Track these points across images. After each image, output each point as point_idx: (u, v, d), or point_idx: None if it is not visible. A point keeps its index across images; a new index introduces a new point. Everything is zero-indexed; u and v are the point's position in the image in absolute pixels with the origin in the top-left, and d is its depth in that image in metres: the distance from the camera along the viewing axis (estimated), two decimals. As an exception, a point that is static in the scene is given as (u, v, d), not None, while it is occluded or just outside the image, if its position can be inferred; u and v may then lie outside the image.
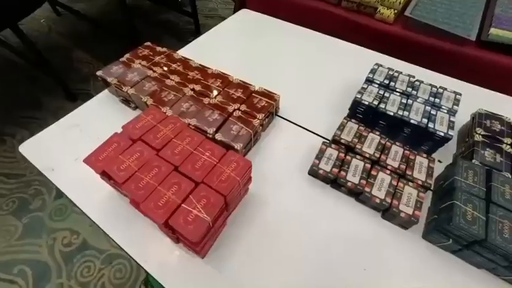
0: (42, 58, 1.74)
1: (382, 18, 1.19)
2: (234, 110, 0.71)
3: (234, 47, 1.06)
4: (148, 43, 0.93)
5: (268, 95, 0.76)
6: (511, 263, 0.49)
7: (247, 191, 0.62)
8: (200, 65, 0.85)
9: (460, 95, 0.75)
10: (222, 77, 0.81)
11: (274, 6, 1.41)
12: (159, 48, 0.91)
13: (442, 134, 0.65)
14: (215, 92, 0.75)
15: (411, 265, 0.55)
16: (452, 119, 0.69)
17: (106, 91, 0.87)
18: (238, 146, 0.63)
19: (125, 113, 0.81)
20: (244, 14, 1.27)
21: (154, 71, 0.82)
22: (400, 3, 1.14)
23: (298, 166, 0.70)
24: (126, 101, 0.82)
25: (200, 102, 0.73)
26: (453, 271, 0.54)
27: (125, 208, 0.60)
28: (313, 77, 0.94)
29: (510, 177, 0.59)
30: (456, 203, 0.53)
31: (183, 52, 1.00)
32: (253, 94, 0.76)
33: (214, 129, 0.66)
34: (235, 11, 1.36)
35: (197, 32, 2.57)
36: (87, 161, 0.52)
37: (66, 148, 0.72)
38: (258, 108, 0.72)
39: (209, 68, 0.84)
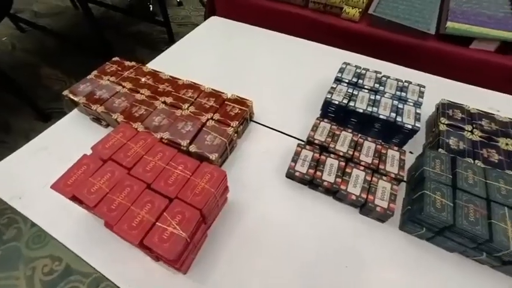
0: (7, 78, 1.66)
1: (348, 17, 1.22)
2: (207, 119, 0.71)
3: (205, 56, 1.06)
4: (116, 58, 0.91)
5: (241, 102, 0.76)
6: (478, 245, 0.51)
7: (225, 201, 0.62)
8: (170, 76, 0.84)
9: (424, 87, 0.78)
10: (194, 87, 0.80)
11: (243, 12, 1.42)
12: (127, 63, 0.89)
13: (409, 126, 0.68)
14: (187, 103, 0.75)
15: (390, 257, 0.56)
16: (418, 111, 0.72)
17: (76, 110, 0.84)
18: (213, 156, 0.63)
19: (97, 131, 0.79)
20: (214, 21, 1.27)
21: (123, 87, 0.80)
22: (363, 2, 1.18)
23: (276, 170, 0.70)
24: (97, 119, 0.79)
25: (172, 114, 0.72)
26: (429, 257, 0.56)
27: (101, 230, 0.58)
28: (286, 79, 0.95)
29: (472, 162, 0.62)
30: (426, 192, 0.55)
31: (153, 64, 0.99)
32: (226, 102, 0.76)
33: (188, 141, 0.66)
34: (205, 18, 1.35)
35: (171, 40, 2.55)
36: (55, 186, 0.50)
37: (34, 173, 0.69)
38: (231, 116, 0.72)
39: (179, 79, 0.83)
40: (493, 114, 0.73)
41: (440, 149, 0.65)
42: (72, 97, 0.77)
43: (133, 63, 0.89)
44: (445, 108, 0.74)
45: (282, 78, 0.96)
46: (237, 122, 0.71)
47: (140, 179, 0.51)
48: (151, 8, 2.99)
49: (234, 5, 1.46)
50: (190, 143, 0.65)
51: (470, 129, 0.69)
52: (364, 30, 1.20)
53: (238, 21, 1.23)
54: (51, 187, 0.50)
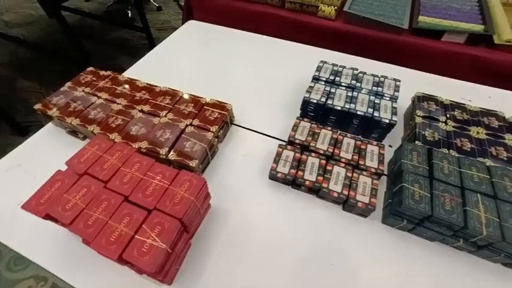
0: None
1: (324, 15, 1.24)
2: (186, 125, 0.70)
3: (182, 61, 1.05)
4: (91, 68, 0.89)
5: (220, 106, 0.76)
6: (455, 232, 0.53)
7: (208, 207, 0.62)
8: (147, 84, 0.83)
9: (400, 81, 0.80)
10: (171, 94, 0.79)
11: (221, 15, 1.42)
12: (102, 72, 0.87)
13: (387, 121, 0.69)
14: (165, 110, 0.74)
15: (375, 251, 0.57)
16: (394, 105, 0.73)
17: (51, 123, 0.82)
18: (193, 162, 0.62)
19: (74, 144, 0.77)
20: (191, 25, 1.26)
21: (99, 97, 0.78)
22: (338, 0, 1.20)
23: (259, 172, 0.70)
24: (74, 131, 0.77)
25: (150, 123, 0.71)
26: (411, 248, 0.58)
27: (81, 246, 0.56)
28: (265, 80, 0.96)
29: (447, 152, 0.64)
30: (404, 185, 0.56)
31: (131, 72, 0.97)
32: (204, 107, 0.76)
33: (167, 149, 0.65)
34: (183, 23, 1.34)
35: (151, 46, 2.50)
36: (26, 206, 0.48)
37: (7, 193, 0.66)
38: (211, 120, 0.72)
39: (157, 86, 0.82)
40: (465, 104, 0.75)
41: (417, 141, 0.67)
42: (45, 111, 0.74)
43: (108, 72, 0.87)
44: (420, 100, 0.76)
45: (261, 79, 0.96)
46: (217, 127, 0.70)
47: (117, 192, 0.50)
48: (129, 14, 2.94)
49: (211, 8, 1.45)
50: (169, 151, 0.65)
51: (444, 120, 0.71)
52: (340, 27, 1.21)
53: (216, 24, 1.23)
54: (22, 207, 0.48)
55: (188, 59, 1.06)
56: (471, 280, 0.54)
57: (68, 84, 0.83)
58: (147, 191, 0.50)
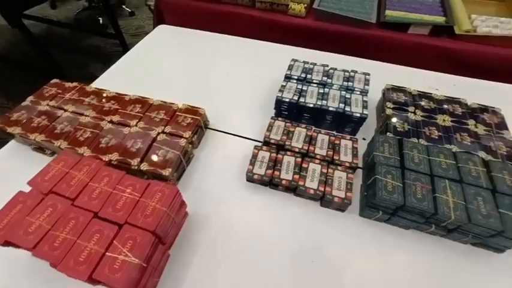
0: None
1: (295, 13, 1.24)
2: (158, 133, 0.68)
3: (154, 66, 1.02)
4: (56, 80, 0.85)
5: (193, 111, 0.74)
6: (427, 219, 0.54)
7: (185, 216, 0.60)
8: (116, 93, 0.80)
9: (369, 75, 0.81)
10: (141, 102, 0.77)
11: (192, 17, 1.40)
12: (68, 84, 0.83)
13: (358, 115, 0.71)
14: (135, 119, 0.72)
15: (353, 244, 0.58)
16: (365, 99, 0.75)
17: (14, 140, 0.77)
18: (166, 171, 0.61)
19: (41, 161, 0.71)
20: (162, 30, 1.23)
21: (65, 110, 0.75)
22: (307, -3, 1.21)
23: (237, 175, 0.70)
24: (40, 148, 0.74)
25: (120, 133, 0.69)
26: (389, 238, 0.59)
27: (48, 269, 0.54)
28: (239, 81, 0.95)
29: (417, 141, 0.65)
30: (378, 177, 0.57)
31: (99, 82, 0.94)
32: (176, 113, 0.74)
33: (139, 159, 0.63)
34: (154, 27, 1.31)
35: (125, 52, 2.44)
36: (-14, 233, 0.45)
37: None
38: (183, 126, 0.71)
39: (126, 95, 0.79)
40: (431, 93, 0.78)
41: (388, 133, 0.68)
42: (4, 128, 0.70)
43: (75, 84, 0.84)
44: (389, 92, 0.78)
45: (234, 80, 0.95)
46: (190, 132, 0.69)
47: (86, 208, 0.48)
48: (101, 21, 2.86)
49: (181, 11, 1.43)
50: (141, 161, 0.63)
51: (413, 110, 0.73)
52: (311, 24, 1.23)
53: (187, 27, 1.21)
54: (-21, 235, 0.45)
55: (159, 65, 1.03)
56: (444, 262, 0.56)
57: (30, 98, 0.79)
58: (118, 205, 0.48)
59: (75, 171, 0.54)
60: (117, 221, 0.46)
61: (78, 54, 2.54)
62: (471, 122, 0.70)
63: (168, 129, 0.70)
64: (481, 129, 0.69)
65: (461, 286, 0.53)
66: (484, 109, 0.74)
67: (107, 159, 0.63)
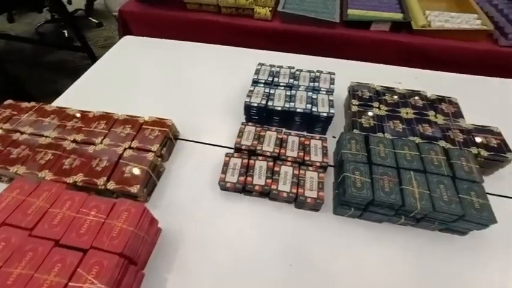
0: None
1: (261, 17, 1.26)
2: (125, 149, 0.66)
3: (119, 80, 0.99)
4: (10, 101, 0.80)
5: (160, 123, 0.73)
6: (396, 211, 0.56)
7: (158, 232, 0.59)
8: (79, 110, 0.77)
9: (334, 74, 0.83)
10: (106, 117, 0.74)
11: (158, 26, 1.38)
12: (25, 104, 0.79)
13: (325, 114, 0.72)
14: (100, 136, 0.69)
15: (329, 243, 0.59)
16: (331, 98, 0.76)
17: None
18: (134, 188, 0.59)
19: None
20: (127, 41, 1.20)
21: (22, 133, 0.71)
22: (271, 0, 1.22)
23: (210, 184, 0.69)
24: (-2, 175, 0.69)
25: (85, 152, 0.66)
26: (362, 233, 0.60)
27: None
28: (208, 89, 0.94)
29: (382, 136, 0.68)
30: (346, 174, 0.59)
31: (61, 101, 0.89)
32: (143, 126, 0.72)
33: (105, 178, 0.60)
34: (120, 38, 1.27)
35: (94, 66, 2.36)
36: None
37: None
38: (151, 140, 0.69)
39: (90, 112, 0.76)
40: (393, 88, 0.81)
41: (355, 130, 0.70)
42: (-45, 158, 0.65)
43: (32, 103, 0.79)
44: (354, 90, 0.80)
45: (203, 88, 0.95)
46: (158, 146, 0.67)
47: (46, 237, 0.45)
48: (66, 34, 2.74)
49: (147, 21, 1.40)
50: (108, 180, 0.60)
51: (377, 106, 0.75)
52: (277, 27, 1.24)
53: (154, 37, 1.18)
54: None
55: (126, 77, 1.00)
56: (416, 250, 0.58)
57: (-19, 123, 0.74)
58: (81, 230, 0.46)
59: (32, 198, 0.51)
60: (82, 247, 0.44)
61: (43, 70, 2.42)
62: (431, 113, 0.74)
63: (135, 144, 0.68)
64: (440, 119, 0.72)
65: (433, 269, 0.55)
66: (442, 100, 0.78)
67: (71, 181, 0.60)
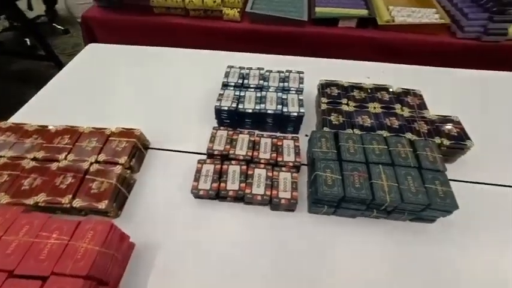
0: None
1: (229, 18, 1.25)
2: (91, 164, 0.63)
3: (84, 90, 0.95)
4: (-40, 120, 0.75)
5: (128, 133, 0.70)
6: (368, 205, 0.57)
7: (131, 248, 0.56)
8: (39, 126, 0.73)
9: (303, 73, 0.84)
10: (70, 131, 0.71)
11: (125, 32, 1.33)
12: (-23, 122, 0.74)
13: (295, 114, 0.72)
14: (64, 152, 0.65)
15: (305, 242, 0.59)
16: (300, 97, 0.77)
17: None
18: (102, 204, 0.56)
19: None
20: (92, 49, 1.15)
21: (-26, 154, 0.66)
22: (239, 1, 1.21)
23: (184, 193, 0.67)
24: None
25: (47, 170, 0.62)
26: (338, 229, 0.61)
27: None
28: (178, 94, 0.92)
29: (351, 132, 0.69)
30: (317, 173, 0.59)
31: (18, 116, 0.84)
32: (110, 138, 0.69)
33: (71, 195, 0.57)
34: (85, 45, 1.22)
35: (62, 75, 2.25)
36: None
37: None
38: (118, 152, 0.66)
39: (51, 126, 0.72)
40: (361, 83, 0.82)
41: (325, 128, 0.71)
42: None
43: (-15, 122, 0.74)
44: (323, 87, 0.81)
45: (173, 94, 0.92)
46: (126, 157, 0.65)
47: None
48: (28, 42, 2.58)
49: (112, 27, 1.35)
50: (73, 198, 0.57)
51: (346, 102, 0.77)
52: (247, 28, 1.24)
53: (121, 43, 1.14)
54: None
55: (91, 87, 0.96)
56: (390, 241, 0.59)
57: None
58: (41, 256, 0.43)
59: (-14, 226, 0.47)
60: (41, 274, 0.41)
61: (5, 81, 2.28)
62: (397, 106, 0.76)
63: (101, 157, 0.65)
64: (406, 112, 0.75)
65: (407, 257, 0.57)
66: (407, 92, 0.81)
67: (31, 203, 0.57)
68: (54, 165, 0.63)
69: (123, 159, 0.64)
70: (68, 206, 0.56)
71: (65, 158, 0.65)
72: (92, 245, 0.44)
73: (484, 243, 0.59)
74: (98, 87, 0.96)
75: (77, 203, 0.56)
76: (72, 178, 0.60)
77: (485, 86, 0.97)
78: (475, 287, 0.54)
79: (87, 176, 0.61)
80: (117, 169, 0.62)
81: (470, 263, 0.57)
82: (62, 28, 2.77)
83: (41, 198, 0.57)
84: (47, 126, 0.73)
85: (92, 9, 1.36)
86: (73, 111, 0.86)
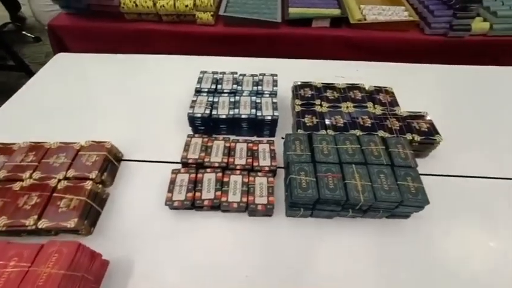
0: None
1: (203, 22, 1.23)
2: (59, 181, 0.61)
3: (51, 102, 0.90)
4: None
5: (98, 146, 0.68)
6: (343, 206, 0.58)
7: (104, 266, 0.54)
8: (1, 144, 0.69)
9: (276, 75, 0.84)
10: (36, 148, 0.67)
11: (96, 40, 1.29)
12: None
13: (269, 117, 0.72)
14: (28, 170, 0.62)
15: (284, 247, 0.59)
16: (274, 100, 0.76)
17: None
18: (71, 223, 0.54)
19: None
20: (60, 58, 1.11)
21: None
22: (211, 5, 1.20)
23: (160, 204, 0.65)
24: None
25: (9, 191, 0.59)
26: (315, 231, 0.61)
27: None
28: (151, 102, 0.90)
29: (325, 133, 0.69)
30: (292, 176, 0.59)
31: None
32: (80, 152, 0.67)
33: (36, 216, 0.55)
34: (55, 54, 1.17)
35: (32, 86, 2.15)
36: None
37: None
38: (88, 166, 0.64)
39: (14, 144, 0.69)
40: (334, 84, 0.83)
41: (299, 130, 0.71)
42: None
43: None
44: (297, 89, 0.82)
45: (147, 102, 0.90)
46: (97, 172, 0.63)
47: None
48: (-4, 52, 2.46)
49: (83, 35, 1.30)
50: (39, 218, 0.55)
51: (319, 103, 0.77)
52: (222, 31, 1.23)
53: (92, 51, 1.10)
54: None
55: (59, 99, 0.92)
56: (368, 239, 0.60)
57: None
58: (-1, 285, 0.41)
59: None
60: (0, 305, 0.39)
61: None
62: (370, 104, 0.77)
63: (71, 173, 0.62)
64: (378, 110, 0.76)
65: (386, 254, 0.58)
66: (379, 90, 0.82)
67: (-8, 227, 0.54)
68: (17, 185, 0.60)
69: (93, 174, 0.62)
70: (33, 227, 0.54)
71: (30, 177, 0.61)
72: (56, 269, 0.42)
73: (456, 233, 0.61)
74: (67, 99, 0.92)
75: (43, 223, 0.54)
76: (37, 197, 0.57)
77: (454, 80, 1.00)
78: (450, 274, 0.56)
79: (54, 194, 0.58)
80: (88, 184, 0.60)
81: (444, 253, 0.58)
82: (33, 36, 2.65)
83: (1, 222, 0.54)
84: (9, 144, 0.69)
85: (59, 17, 1.31)
86: (40, 125, 0.82)
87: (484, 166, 0.73)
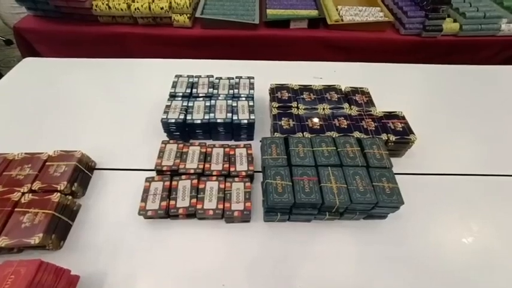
0: None
1: (180, 24, 1.21)
2: (22, 194, 0.57)
3: (16, 111, 0.86)
4: None
5: (67, 156, 0.65)
6: (319, 209, 0.58)
7: (73, 282, 0.51)
8: (-41, 156, 0.65)
9: (253, 78, 0.83)
10: (-3, 160, 0.64)
11: (68, 44, 1.24)
12: None
13: (246, 121, 0.71)
14: (-11, 184, 0.59)
15: (262, 254, 0.58)
16: (251, 103, 0.76)
17: None
18: (35, 239, 0.51)
19: None
20: (28, 63, 1.06)
21: None
22: (187, 7, 1.18)
23: (135, 214, 0.62)
24: None
25: (-33, 207, 0.55)
26: (294, 235, 0.61)
27: None
28: (125, 109, 0.87)
29: (302, 135, 0.69)
30: (268, 181, 0.58)
31: None
32: (47, 163, 0.63)
33: (-4, 234, 0.51)
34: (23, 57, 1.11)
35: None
36: None
37: None
38: (57, 177, 0.61)
39: (-26, 156, 0.65)
40: (310, 85, 0.83)
41: (276, 133, 0.70)
42: None
43: None
44: (274, 92, 0.81)
45: (120, 108, 0.87)
46: (66, 182, 0.60)
47: None
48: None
49: (53, 39, 1.25)
50: (-1, 236, 0.51)
51: (295, 105, 0.77)
52: (199, 33, 1.21)
53: (63, 56, 1.06)
54: None
55: (26, 107, 0.87)
56: (347, 240, 0.60)
57: None
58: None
59: None
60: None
61: None
62: (346, 105, 0.78)
63: (37, 185, 0.59)
64: (354, 111, 0.77)
65: (364, 254, 0.58)
66: (355, 91, 0.83)
67: None
68: (-23, 201, 0.56)
69: (62, 185, 0.59)
70: (-7, 245, 0.50)
71: (-9, 191, 0.58)
72: (14, 291, 0.39)
73: (433, 231, 0.62)
74: (34, 106, 0.87)
75: (3, 242, 0.51)
76: (-2, 214, 0.54)
77: (428, 79, 1.03)
78: (427, 270, 0.56)
79: (16, 209, 0.55)
80: (55, 197, 0.57)
81: (421, 251, 0.59)
82: (4, 39, 2.53)
83: (-41, 241, 0.50)
84: (-31, 156, 0.65)
85: (26, 20, 1.25)
86: (3, 135, 0.78)
87: (459, 164, 0.75)
